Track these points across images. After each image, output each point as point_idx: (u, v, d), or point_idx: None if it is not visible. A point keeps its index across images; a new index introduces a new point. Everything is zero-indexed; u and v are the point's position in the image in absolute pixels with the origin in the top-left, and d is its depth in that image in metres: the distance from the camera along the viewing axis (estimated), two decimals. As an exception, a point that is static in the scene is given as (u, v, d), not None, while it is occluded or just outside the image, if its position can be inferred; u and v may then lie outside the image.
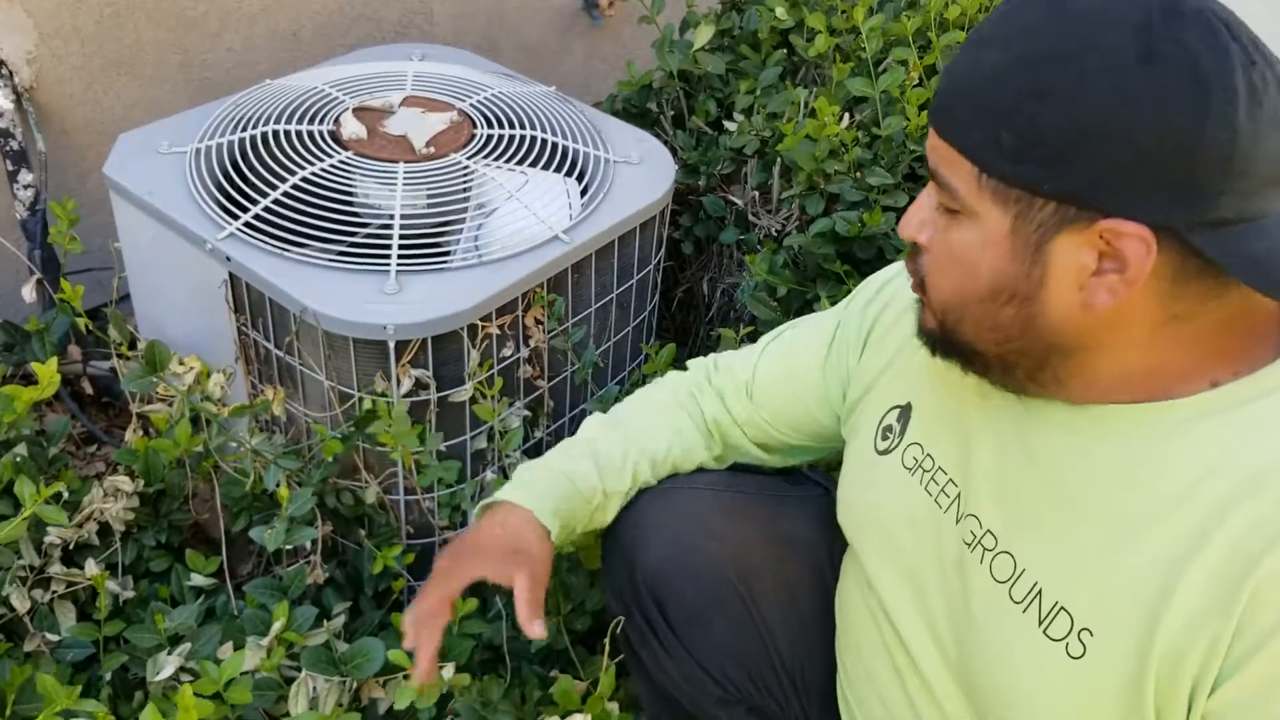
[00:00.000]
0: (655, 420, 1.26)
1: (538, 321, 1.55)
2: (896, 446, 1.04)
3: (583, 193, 1.65)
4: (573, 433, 1.72)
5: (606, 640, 1.25)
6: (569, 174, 1.67)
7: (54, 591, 1.38)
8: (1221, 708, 0.75)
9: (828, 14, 1.91)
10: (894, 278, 1.12)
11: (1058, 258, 0.78)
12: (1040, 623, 0.86)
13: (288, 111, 1.66)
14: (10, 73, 1.81)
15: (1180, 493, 0.79)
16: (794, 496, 1.22)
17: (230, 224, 1.46)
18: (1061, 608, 0.84)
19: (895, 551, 1.02)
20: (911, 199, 1.74)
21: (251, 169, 1.56)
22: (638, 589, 1.19)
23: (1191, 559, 0.76)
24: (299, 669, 1.27)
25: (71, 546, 1.42)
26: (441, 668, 1.31)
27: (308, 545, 1.42)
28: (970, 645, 0.93)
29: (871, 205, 1.69)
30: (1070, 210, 0.75)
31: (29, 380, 1.73)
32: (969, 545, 0.93)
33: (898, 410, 1.05)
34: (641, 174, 1.70)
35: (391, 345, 1.37)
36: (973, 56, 0.79)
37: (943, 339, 0.90)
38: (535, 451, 1.69)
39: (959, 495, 0.95)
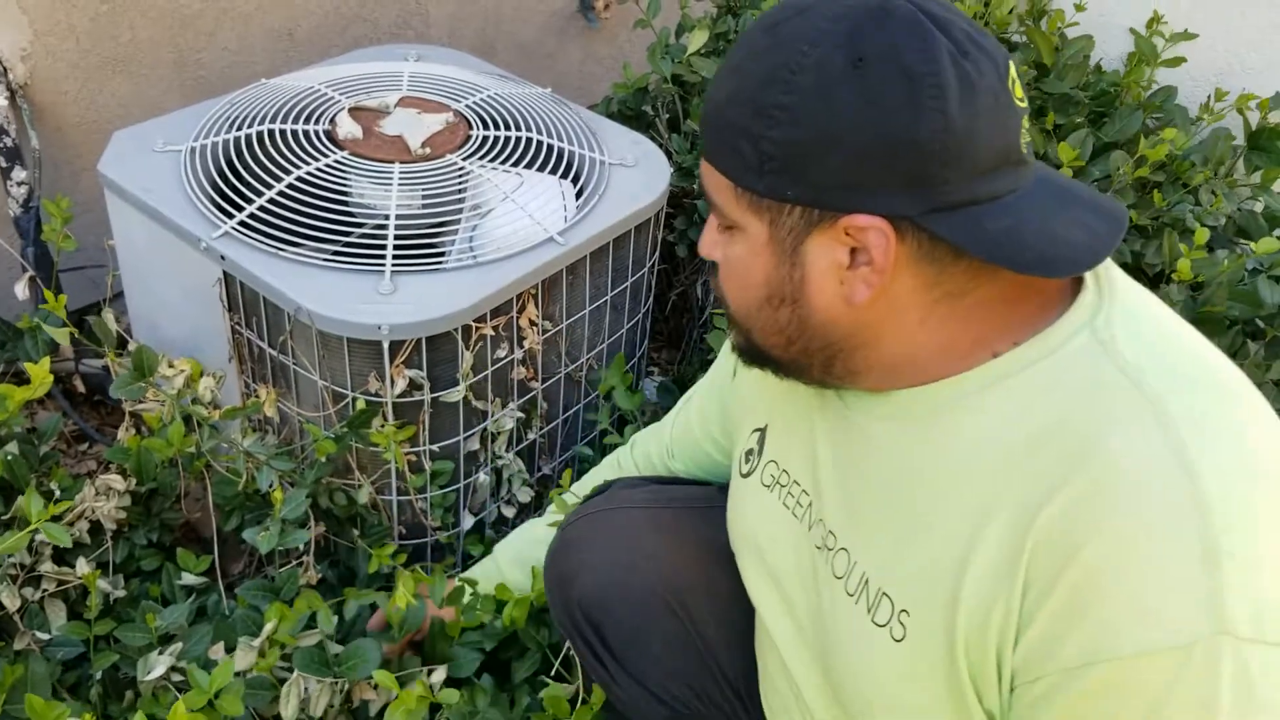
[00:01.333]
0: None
1: (532, 323, 1.55)
2: (756, 467, 1.08)
3: (578, 195, 1.66)
4: (566, 435, 1.72)
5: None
6: (564, 176, 1.67)
7: (44, 590, 1.38)
8: (1019, 666, 0.77)
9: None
10: None
11: (813, 258, 0.82)
12: (869, 611, 0.88)
13: (283, 111, 1.66)
14: (4, 69, 1.80)
15: (967, 464, 0.81)
16: (724, 505, 1.21)
17: (225, 223, 1.46)
18: (884, 594, 0.87)
19: (765, 567, 1.05)
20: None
21: (247, 168, 1.55)
22: (575, 616, 1.23)
23: (983, 527, 0.78)
24: (291, 670, 1.27)
25: (71, 545, 1.41)
26: (431, 671, 1.31)
27: (300, 546, 1.42)
28: (826, 645, 0.95)
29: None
30: (815, 213, 0.80)
31: (20, 378, 1.72)
32: (819, 549, 0.96)
33: (758, 434, 1.09)
34: (637, 176, 1.70)
35: (386, 345, 1.37)
36: (715, 84, 0.85)
37: (747, 350, 0.95)
38: (528, 453, 1.69)
39: (810, 503, 0.99)
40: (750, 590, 1.08)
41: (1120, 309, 0.82)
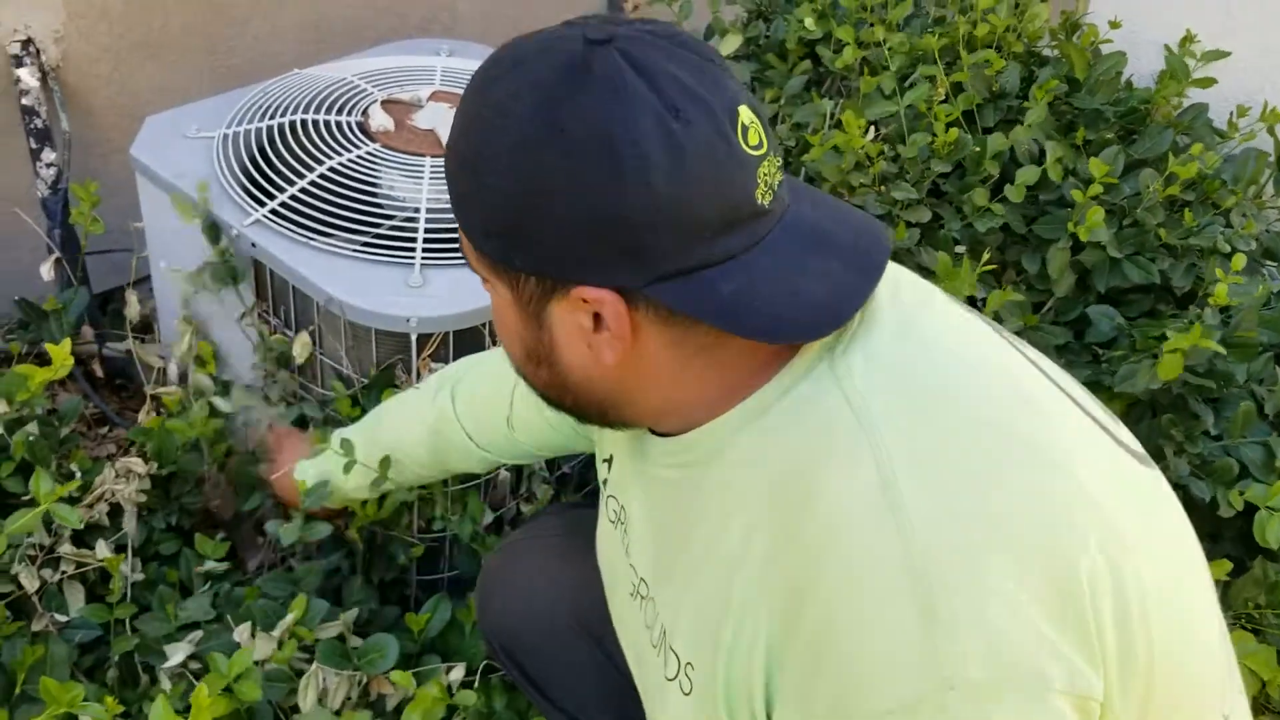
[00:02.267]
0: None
1: (558, 321, 1.55)
2: (604, 499, 1.04)
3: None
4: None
5: None
6: (594, 175, 1.67)
7: (63, 572, 1.38)
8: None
9: (856, 26, 1.91)
10: None
11: (557, 323, 0.77)
12: (664, 665, 0.86)
13: (316, 101, 1.66)
14: (38, 50, 1.81)
15: (725, 510, 0.79)
16: None
17: (256, 210, 1.46)
18: (671, 648, 0.85)
19: (613, 599, 1.03)
20: (935, 214, 1.74)
21: (279, 156, 1.56)
22: (495, 650, 1.23)
23: (735, 574, 0.76)
24: (309, 661, 1.27)
25: (82, 526, 1.41)
26: (450, 669, 1.31)
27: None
28: (642, 692, 0.94)
29: (895, 220, 1.69)
30: (547, 281, 0.75)
31: (43, 360, 1.72)
32: (632, 595, 0.95)
33: (606, 464, 1.04)
34: (666, 178, 1.70)
35: (414, 338, 1.37)
36: (447, 148, 0.79)
37: (543, 397, 0.88)
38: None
39: (629, 544, 0.96)
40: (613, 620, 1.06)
41: (868, 330, 0.77)
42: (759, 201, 0.72)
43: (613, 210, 0.69)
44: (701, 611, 0.80)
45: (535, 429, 1.20)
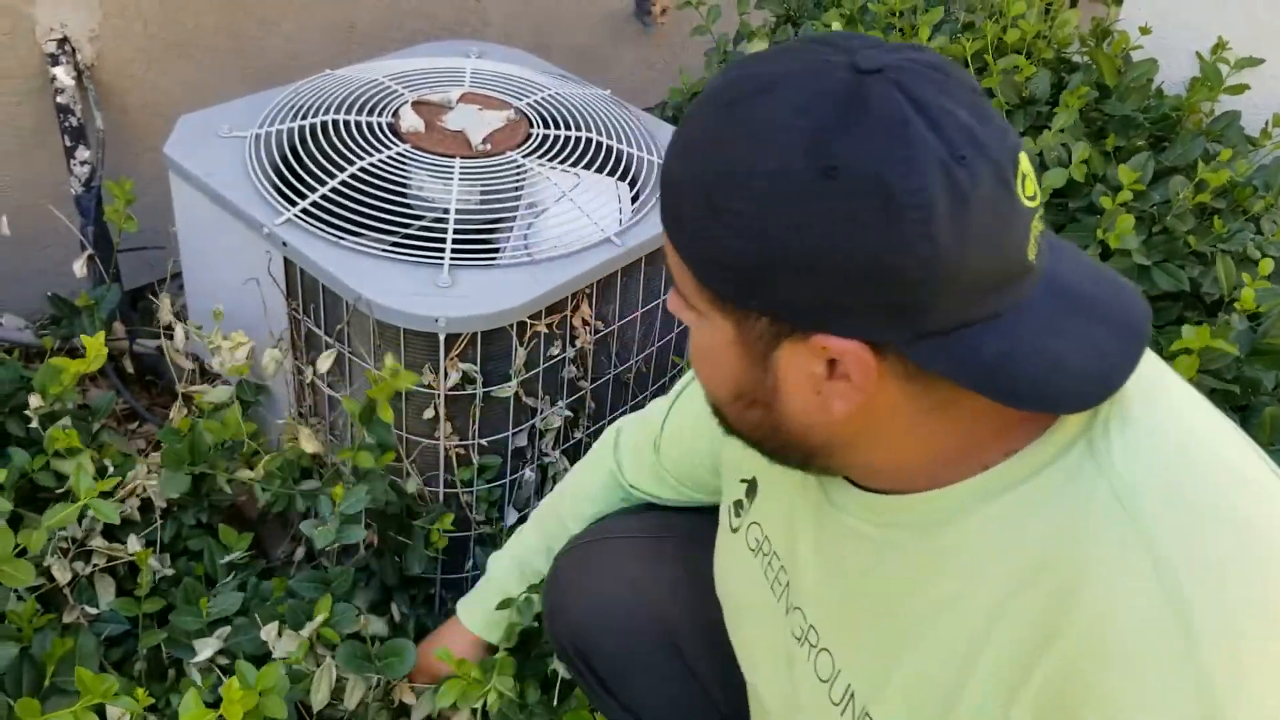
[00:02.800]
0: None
1: (585, 323, 1.56)
2: (743, 524, 1.00)
3: (634, 197, 1.66)
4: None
5: None
6: (621, 177, 1.67)
7: (94, 565, 1.39)
8: None
9: (885, 31, 1.91)
10: None
11: (785, 367, 0.72)
12: None
13: (348, 102, 1.67)
14: (73, 49, 1.83)
15: (956, 590, 0.75)
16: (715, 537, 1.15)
17: (288, 210, 1.47)
18: (867, 713, 0.82)
19: (742, 628, 1.01)
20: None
21: (310, 156, 1.57)
22: (566, 650, 1.21)
23: (976, 656, 0.73)
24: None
25: (119, 522, 1.42)
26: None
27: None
28: None
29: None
30: (784, 325, 0.69)
31: (75, 355, 1.74)
32: (797, 639, 0.91)
33: (746, 485, 1.01)
34: (694, 181, 1.70)
35: (442, 338, 1.38)
36: (669, 159, 0.72)
37: (723, 427, 0.84)
38: (574, 452, 1.69)
39: (788, 583, 0.92)
40: (734, 645, 1.04)
41: (1123, 412, 0.71)
42: (1029, 258, 0.68)
43: (885, 262, 0.63)
44: (923, 683, 0.76)
45: (683, 453, 1.18)
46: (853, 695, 0.83)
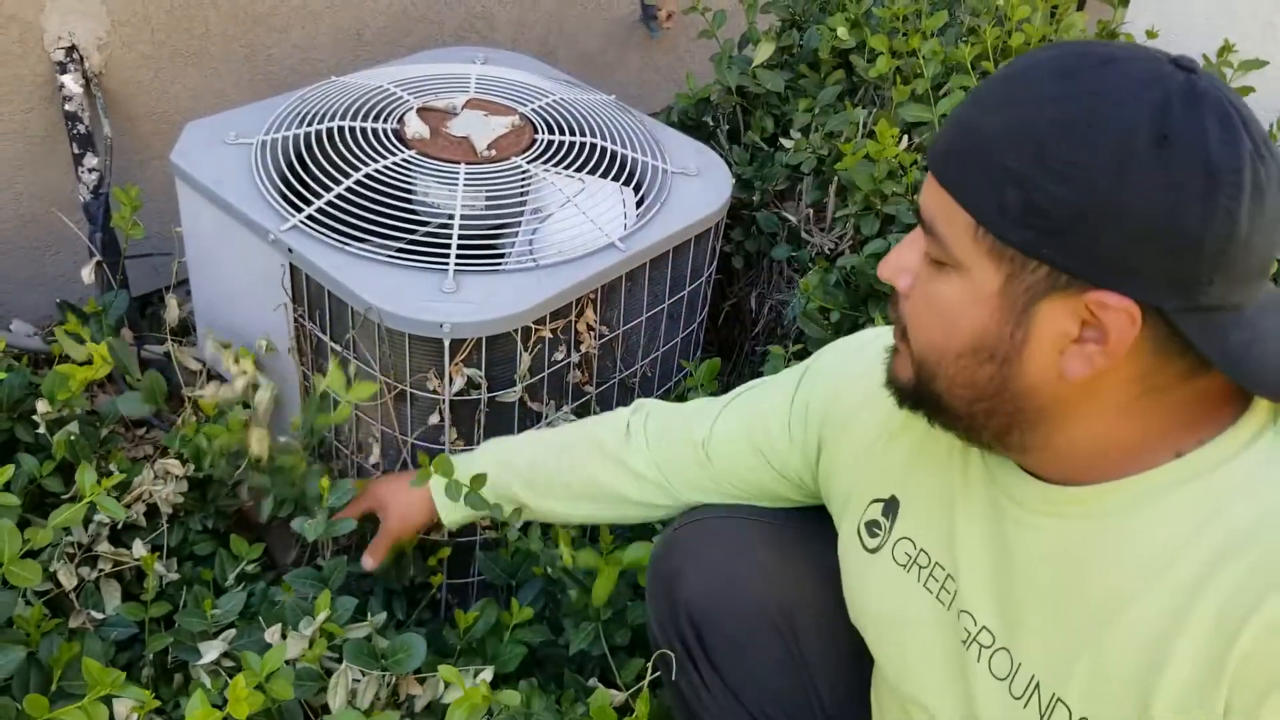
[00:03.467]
0: (597, 484, 1.28)
1: (589, 327, 1.56)
2: (886, 543, 1.02)
3: (639, 202, 1.66)
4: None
5: (647, 667, 1.24)
6: (626, 183, 1.68)
7: (101, 570, 1.40)
8: None
9: (890, 36, 1.91)
10: (855, 352, 1.12)
11: (1041, 321, 0.77)
12: (1041, 716, 0.85)
13: (353, 108, 1.68)
14: (81, 57, 1.84)
15: (1155, 569, 0.78)
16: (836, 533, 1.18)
17: (294, 216, 1.48)
18: (1059, 699, 0.84)
19: (898, 648, 1.01)
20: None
21: (316, 163, 1.57)
22: (679, 618, 1.19)
23: (1176, 635, 0.76)
24: (339, 660, 1.28)
25: (119, 526, 1.43)
26: (478, 672, 1.32)
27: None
28: None
29: (927, 228, 1.68)
30: (1062, 277, 0.75)
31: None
32: (965, 643, 0.93)
33: (881, 504, 1.03)
34: (698, 186, 1.71)
35: (446, 343, 1.38)
36: (979, 114, 0.78)
37: (914, 390, 0.88)
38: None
39: (956, 591, 0.95)
40: (888, 669, 1.04)
41: None
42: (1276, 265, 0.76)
43: (1191, 231, 0.70)
44: (1118, 671, 0.79)
45: (732, 457, 1.19)
46: (1038, 686, 0.86)
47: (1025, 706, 0.86)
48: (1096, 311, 0.74)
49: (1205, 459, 0.78)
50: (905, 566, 1.00)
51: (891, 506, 1.02)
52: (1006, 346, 0.79)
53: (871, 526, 1.04)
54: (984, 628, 0.91)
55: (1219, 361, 0.74)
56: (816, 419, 1.12)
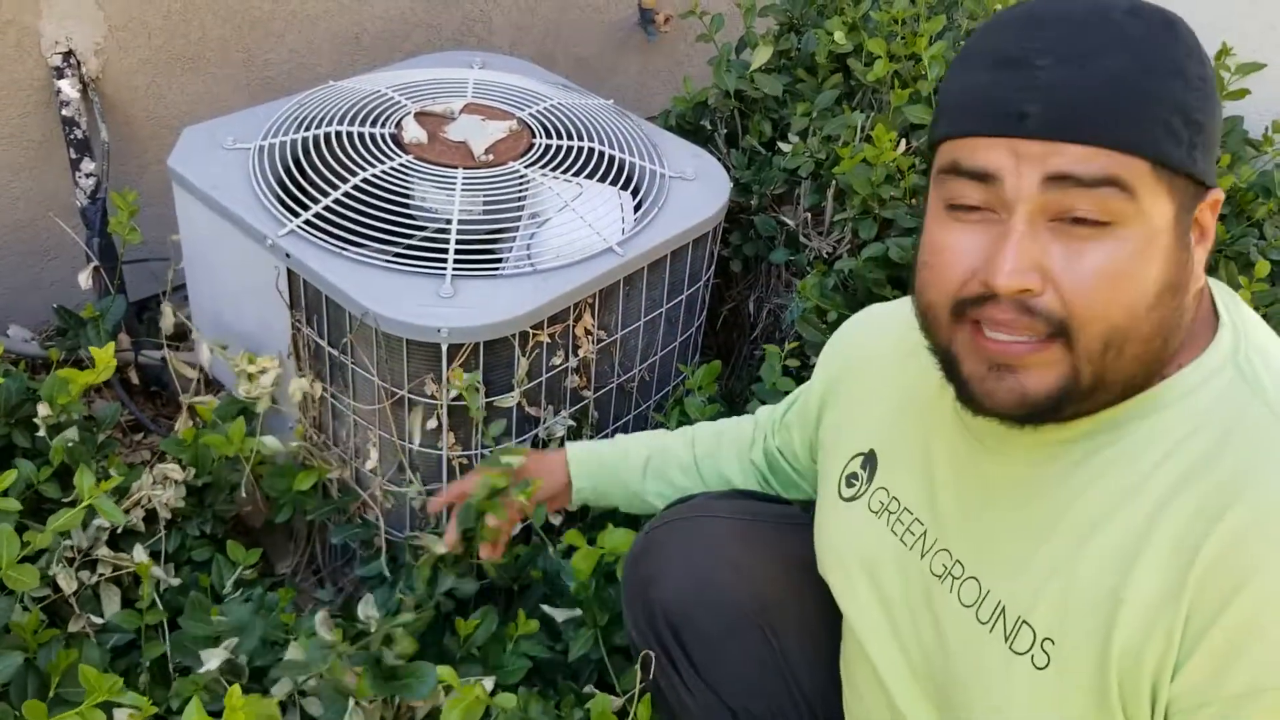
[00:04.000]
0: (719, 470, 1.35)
1: (587, 332, 1.56)
2: (863, 492, 1.06)
3: (637, 206, 1.66)
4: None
5: (638, 668, 1.24)
6: (624, 187, 1.68)
7: (100, 575, 1.40)
8: (1180, 694, 0.77)
9: (888, 39, 1.91)
10: (850, 334, 1.17)
11: (1193, 236, 0.81)
12: (1006, 639, 0.88)
13: (351, 113, 1.68)
14: (79, 62, 1.84)
15: (1127, 490, 0.81)
16: (810, 525, 1.20)
17: (291, 221, 1.48)
18: (1024, 621, 0.86)
19: (867, 591, 1.04)
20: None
21: (313, 168, 1.57)
22: (655, 620, 1.20)
23: (1138, 557, 0.79)
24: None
25: (118, 531, 1.43)
26: (478, 681, 1.31)
27: (355, 545, 1.43)
28: (945, 670, 0.94)
29: (925, 232, 1.68)
30: (1201, 187, 0.80)
31: (81, 366, 1.75)
32: (939, 577, 0.96)
33: (861, 457, 1.07)
34: (696, 190, 1.71)
35: (444, 348, 1.38)
36: (1085, 66, 0.76)
37: (1071, 386, 0.81)
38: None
39: (924, 532, 0.98)
40: (851, 615, 1.06)
41: (1254, 345, 0.83)
42: None
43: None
44: (1082, 592, 0.82)
45: (790, 436, 1.27)
46: (1003, 610, 0.89)
47: (991, 630, 0.89)
48: (1210, 210, 0.80)
49: (1172, 390, 0.82)
50: (878, 514, 1.04)
51: (870, 459, 1.06)
52: (1184, 274, 0.81)
53: (850, 478, 1.08)
54: (957, 560, 0.94)
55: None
56: (819, 389, 1.18)
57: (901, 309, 1.08)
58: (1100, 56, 0.77)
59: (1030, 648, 0.86)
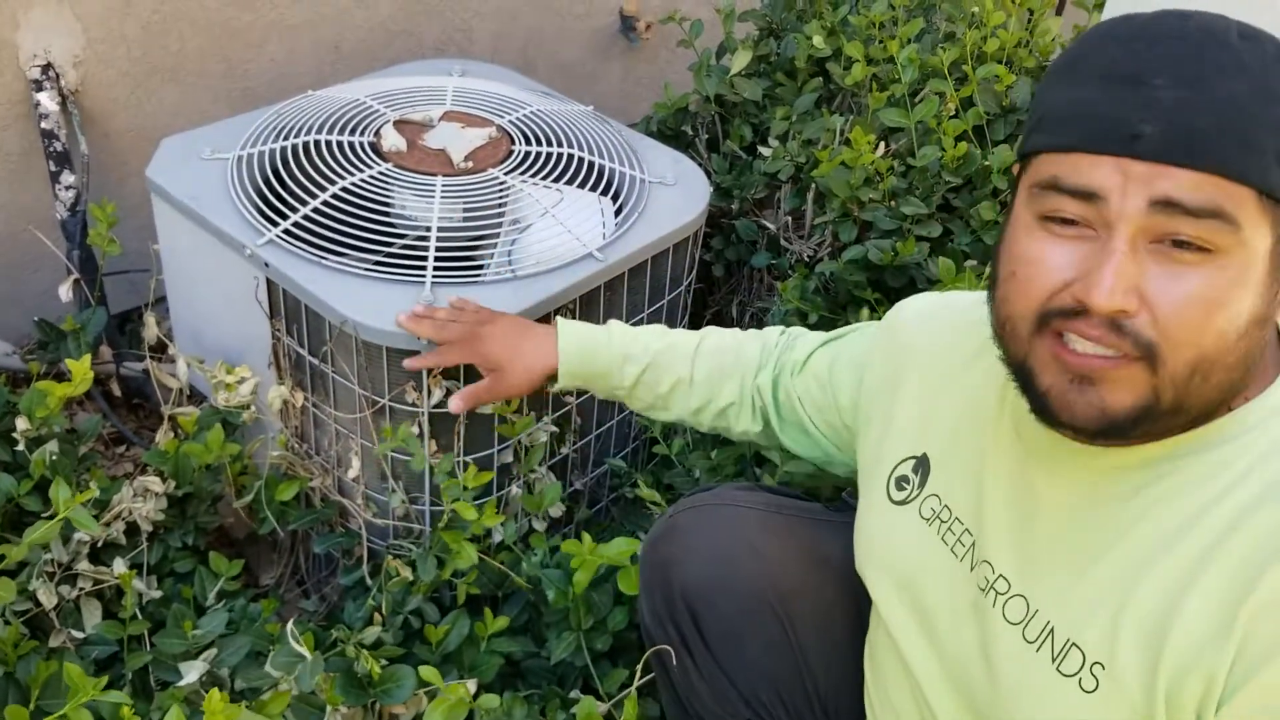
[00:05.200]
0: (717, 380, 1.34)
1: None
2: (915, 498, 1.05)
3: (617, 212, 1.66)
4: (598, 450, 1.72)
5: (639, 668, 1.24)
6: (604, 193, 1.68)
7: (80, 588, 1.39)
8: None
9: (866, 43, 1.92)
10: (919, 323, 1.13)
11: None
12: (1053, 660, 0.87)
13: (329, 122, 1.68)
14: (57, 75, 1.83)
15: (1185, 522, 0.81)
16: (834, 521, 1.22)
17: (270, 230, 1.48)
18: (1073, 644, 0.86)
19: (910, 598, 1.03)
20: (946, 229, 1.74)
21: (292, 177, 1.57)
22: (674, 603, 1.20)
23: (1193, 585, 0.79)
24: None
25: (99, 545, 1.43)
26: (461, 683, 1.31)
27: (338, 553, 1.42)
28: (987, 687, 0.93)
29: (905, 234, 1.69)
30: None
31: (62, 379, 1.74)
32: (983, 590, 0.95)
33: (913, 461, 1.06)
34: (676, 195, 1.71)
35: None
36: (1200, 89, 0.76)
37: (1150, 408, 0.81)
38: (561, 468, 1.69)
39: (973, 543, 0.97)
40: (886, 613, 1.06)
41: None
42: None
43: None
44: (1135, 618, 0.82)
45: (809, 391, 1.25)
46: (1052, 630, 0.88)
47: (1038, 650, 0.88)
48: None
49: (1240, 421, 0.82)
50: (929, 520, 1.03)
51: (922, 464, 1.05)
52: (1272, 305, 0.79)
53: (901, 481, 1.07)
54: (1001, 575, 0.93)
55: None
56: (871, 375, 1.16)
57: (961, 308, 1.09)
58: (1218, 80, 0.75)
59: (1079, 670, 0.85)
